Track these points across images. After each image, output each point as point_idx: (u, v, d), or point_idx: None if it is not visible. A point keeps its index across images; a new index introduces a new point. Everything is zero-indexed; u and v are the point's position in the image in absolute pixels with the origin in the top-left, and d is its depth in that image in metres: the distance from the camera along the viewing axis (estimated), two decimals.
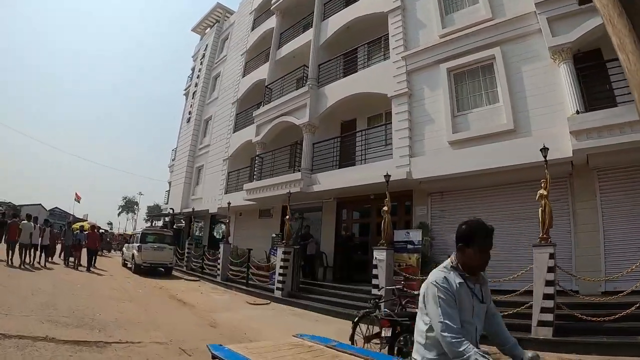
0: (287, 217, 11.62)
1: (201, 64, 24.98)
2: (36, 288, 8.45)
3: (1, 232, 13.58)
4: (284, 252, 11.08)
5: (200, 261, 16.14)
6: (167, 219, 25.85)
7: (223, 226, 21.43)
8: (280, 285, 10.91)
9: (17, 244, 12.46)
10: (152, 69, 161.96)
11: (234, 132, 18.15)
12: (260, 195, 14.19)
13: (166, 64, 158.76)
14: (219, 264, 14.22)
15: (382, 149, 11.30)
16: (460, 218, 9.31)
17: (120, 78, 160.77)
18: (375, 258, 8.82)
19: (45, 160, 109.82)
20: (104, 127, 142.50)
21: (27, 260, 12.93)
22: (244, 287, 12.30)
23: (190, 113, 23.77)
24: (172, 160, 25.45)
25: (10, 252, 12.48)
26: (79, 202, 37.83)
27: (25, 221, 13.19)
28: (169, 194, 24.68)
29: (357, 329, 5.63)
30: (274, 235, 12.33)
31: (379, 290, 7.62)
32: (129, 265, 16.30)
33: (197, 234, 21.19)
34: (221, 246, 14.17)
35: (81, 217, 38.10)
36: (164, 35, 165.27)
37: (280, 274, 11.03)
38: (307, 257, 12.13)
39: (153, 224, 28.04)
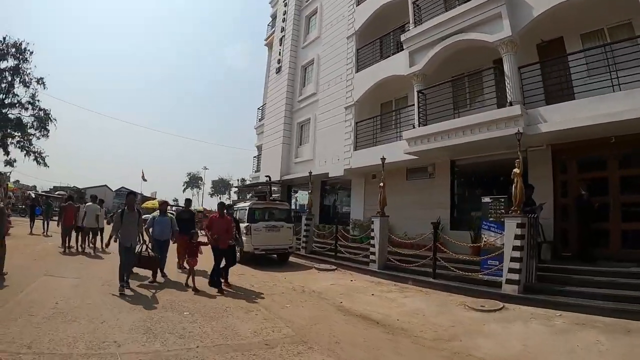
0: (517, 169, 7.59)
1: (285, 6, 21.28)
2: (110, 330, 4.74)
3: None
4: (519, 226, 7.32)
5: (333, 241, 12.46)
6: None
7: (323, 194, 18.11)
8: (514, 277, 7.22)
9: (72, 229, 11.87)
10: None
11: (356, 72, 14.27)
12: (433, 144, 10.44)
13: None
14: (372, 246, 10.52)
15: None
16: None
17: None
18: None
19: (112, 140, 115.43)
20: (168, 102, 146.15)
21: (96, 245, 12.08)
22: (430, 280, 8.68)
23: (279, 62, 20.24)
24: (260, 120, 22.23)
25: (67, 238, 11.58)
26: (145, 180, 36.12)
27: (90, 203, 12.21)
28: (258, 160, 21.58)
29: None
30: (488, 199, 8.41)
31: None
32: None
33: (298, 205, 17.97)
34: (376, 221, 10.45)
35: (149, 195, 36.47)
36: None
37: (513, 259, 7.29)
38: None
39: (240, 197, 25.22)
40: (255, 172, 21.80)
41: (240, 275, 9.43)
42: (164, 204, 9.32)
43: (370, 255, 10.52)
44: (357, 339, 5.16)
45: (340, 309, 6.77)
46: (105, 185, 43.58)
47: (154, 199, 35.53)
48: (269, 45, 23.40)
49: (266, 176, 18.49)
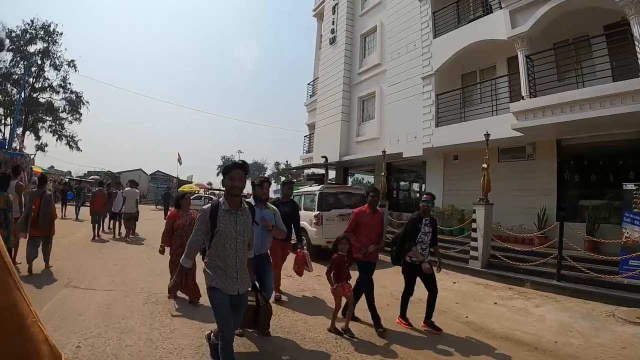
0: None
1: None
2: None
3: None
4: None
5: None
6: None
7: (389, 177, 17.12)
8: None
9: (102, 216, 12.25)
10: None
11: (434, 38, 13.04)
12: (547, 119, 9.23)
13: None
14: (473, 239, 9.51)
15: None
16: None
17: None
18: None
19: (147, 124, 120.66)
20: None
21: (132, 233, 12.18)
22: (553, 283, 7.66)
23: (333, 32, 19.11)
24: (310, 96, 21.30)
25: (96, 225, 11.63)
26: (181, 163, 35.96)
27: (129, 188, 12.38)
28: (310, 140, 20.72)
29: None
30: (631, 186, 7.39)
31: None
32: None
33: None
34: (478, 210, 9.48)
35: (185, 179, 36.41)
36: None
37: None
38: None
39: (287, 177, 24.62)
40: (307, 152, 20.99)
41: (317, 276, 7.71)
42: (263, 185, 5.08)
43: (471, 251, 9.57)
44: None
45: (473, 327, 5.54)
46: (140, 169, 43.81)
47: (191, 182, 35.39)
48: (318, 16, 22.25)
49: (322, 157, 17.70)
